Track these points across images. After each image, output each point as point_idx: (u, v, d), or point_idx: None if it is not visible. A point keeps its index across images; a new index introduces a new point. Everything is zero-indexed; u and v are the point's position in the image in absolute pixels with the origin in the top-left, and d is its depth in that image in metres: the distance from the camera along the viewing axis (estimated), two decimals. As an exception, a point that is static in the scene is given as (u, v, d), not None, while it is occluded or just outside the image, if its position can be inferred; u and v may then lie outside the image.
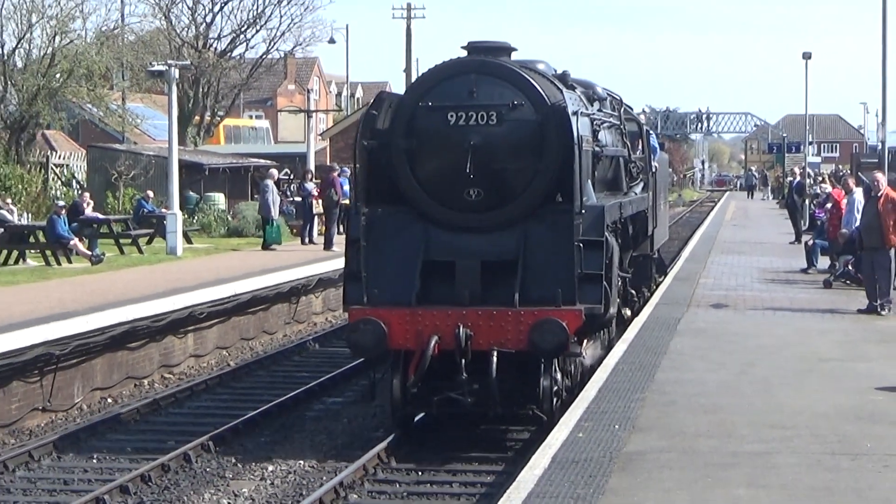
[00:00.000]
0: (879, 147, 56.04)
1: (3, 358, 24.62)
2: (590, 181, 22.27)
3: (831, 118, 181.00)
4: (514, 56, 23.14)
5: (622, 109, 29.52)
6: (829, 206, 39.95)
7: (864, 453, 15.78)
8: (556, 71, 24.09)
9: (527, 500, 13.53)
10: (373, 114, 22.11)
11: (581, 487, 14.04)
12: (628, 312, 27.94)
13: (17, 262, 43.35)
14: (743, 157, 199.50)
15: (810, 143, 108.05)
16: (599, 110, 26.02)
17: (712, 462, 15.28)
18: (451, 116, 21.14)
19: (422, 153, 21.54)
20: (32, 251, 44.20)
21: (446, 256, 21.27)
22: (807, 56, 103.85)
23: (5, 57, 69.06)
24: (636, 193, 28.08)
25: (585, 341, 22.13)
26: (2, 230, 44.96)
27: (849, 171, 61.81)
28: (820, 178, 63.84)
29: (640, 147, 30.31)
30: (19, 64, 69.13)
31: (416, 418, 22.22)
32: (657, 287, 34.68)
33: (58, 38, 68.43)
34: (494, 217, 21.38)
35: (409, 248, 21.41)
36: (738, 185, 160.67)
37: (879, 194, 29.50)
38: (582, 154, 21.10)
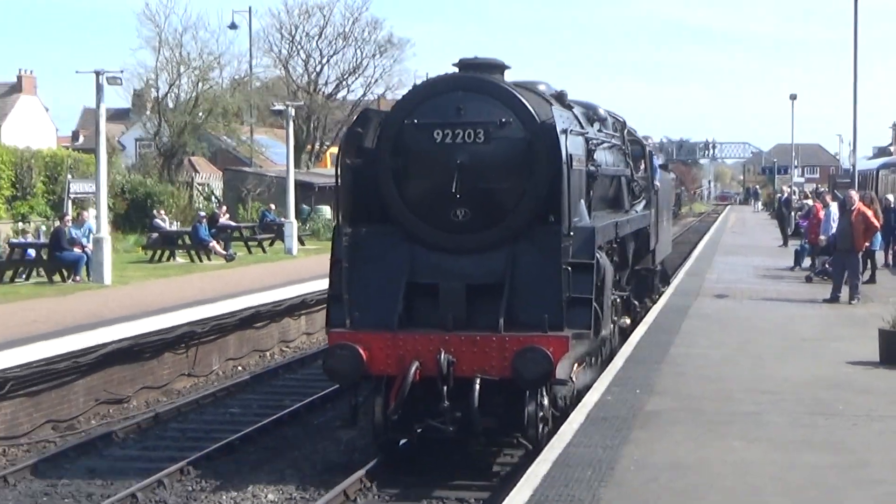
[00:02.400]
0: (851, 170, 55.95)
1: (157, 335, 24.86)
2: (583, 201, 18.27)
3: (813, 147, 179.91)
4: (515, 77, 18.94)
5: (625, 131, 25.16)
6: (810, 216, 39.85)
7: (837, 414, 15.73)
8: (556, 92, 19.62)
9: (566, 449, 13.55)
10: (357, 131, 17.95)
11: (609, 438, 14.06)
12: (627, 321, 23.51)
13: (168, 259, 43.84)
14: (742, 177, 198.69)
15: (795, 167, 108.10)
16: (600, 130, 21.70)
17: (714, 420, 15.26)
18: (438, 134, 17.05)
19: (408, 172, 17.42)
20: (180, 251, 44.78)
21: (431, 278, 17.15)
22: (793, 97, 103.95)
23: (160, 99, 70.20)
24: (637, 211, 24.55)
25: (576, 365, 17.56)
26: (157, 234, 45.76)
27: (826, 190, 61.52)
28: (803, 195, 63.83)
29: (643, 167, 26.48)
30: (170, 104, 70.03)
31: (402, 442, 17.60)
32: (659, 297, 29.97)
33: (200, 85, 69.58)
34: (482, 238, 17.17)
35: (394, 270, 17.26)
36: (738, 200, 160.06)
37: (853, 208, 29.47)
38: (571, 174, 17.04)
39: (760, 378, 18.32)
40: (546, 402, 16.82)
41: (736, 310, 27.82)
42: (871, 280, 33.35)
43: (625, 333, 23.02)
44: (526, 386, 16.19)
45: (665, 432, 14.48)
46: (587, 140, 19.35)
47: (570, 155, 17.01)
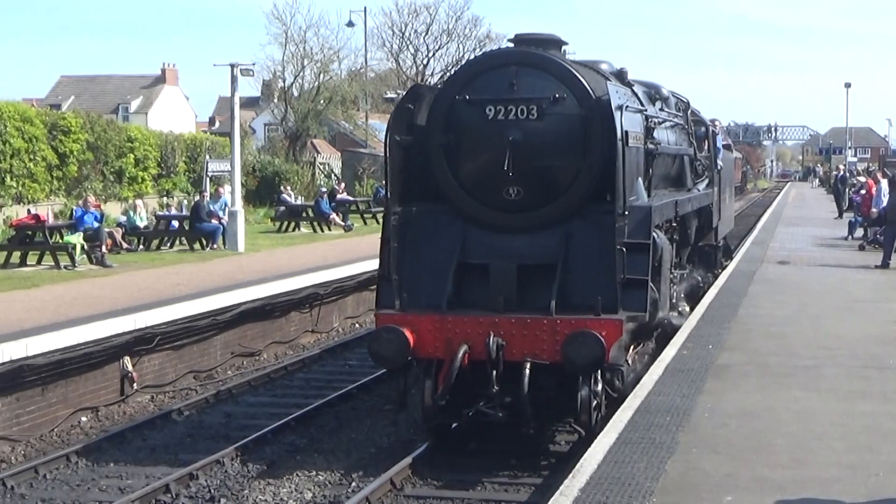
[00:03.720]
0: (900, 150, 55.39)
1: (285, 296, 25.01)
2: (640, 179, 16.25)
3: (865, 130, 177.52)
4: (576, 56, 17.49)
5: (689, 112, 22.76)
6: (863, 192, 39.48)
7: (888, 367, 15.53)
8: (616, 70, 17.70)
9: (647, 397, 13.48)
10: (408, 107, 15.71)
11: (686, 388, 13.96)
12: (687, 309, 20.56)
13: (293, 230, 44.18)
14: (801, 157, 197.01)
15: (849, 148, 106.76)
16: (661, 109, 19.47)
17: (778, 372, 15.10)
18: (490, 110, 14.91)
19: (460, 149, 15.27)
20: (304, 222, 45.04)
21: (482, 258, 15.07)
22: (847, 85, 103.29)
23: (286, 89, 70.93)
24: (699, 190, 22.18)
25: (632, 348, 15.71)
26: (283, 208, 46.14)
27: (877, 168, 60.89)
28: (857, 172, 63.25)
29: (706, 147, 24.09)
30: (295, 93, 70.64)
31: (453, 426, 15.55)
32: (723, 270, 27.46)
33: (321, 76, 70.11)
34: (535, 217, 15.12)
35: (445, 250, 15.22)
36: (797, 178, 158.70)
37: (901, 183, 29.16)
38: (627, 151, 14.86)
39: (819, 335, 18.14)
40: (600, 387, 14.62)
41: (796, 275, 27.55)
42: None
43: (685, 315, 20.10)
44: (577, 371, 14.09)
45: (735, 383, 14.37)
46: (647, 118, 17.10)
47: (626, 132, 14.82)
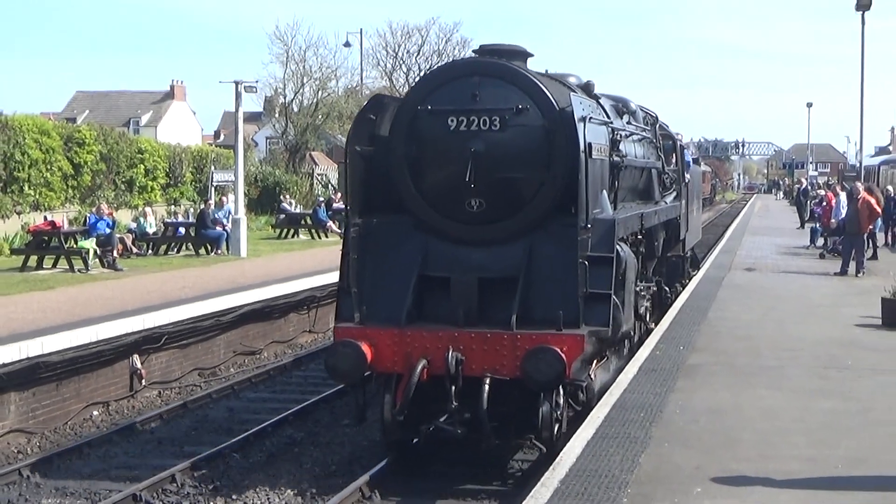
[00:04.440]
0: (858, 166, 55.59)
1: (284, 298, 24.98)
2: (605, 192, 14.77)
3: (825, 146, 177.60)
4: (546, 69, 15.86)
5: (657, 126, 21.37)
6: (823, 204, 39.59)
7: (846, 368, 15.55)
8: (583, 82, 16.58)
9: (623, 395, 13.47)
10: (370, 118, 14.43)
11: (658, 387, 13.96)
12: (653, 326, 19.21)
13: (293, 236, 44.20)
14: (765, 171, 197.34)
15: (810, 163, 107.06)
16: (629, 122, 18.22)
17: (745, 372, 15.11)
18: (452, 121, 13.72)
19: (422, 160, 14.05)
20: (303, 229, 45.06)
21: (443, 271, 13.82)
22: (809, 104, 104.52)
23: (287, 104, 71.19)
24: (667, 202, 20.93)
25: (595, 362, 14.21)
26: (283, 216, 46.21)
27: (836, 182, 61.06)
28: (817, 186, 63.39)
29: (674, 160, 22.93)
30: (295, 109, 70.89)
31: (414, 440, 14.02)
32: (689, 281, 26.13)
33: (320, 93, 70.30)
34: (498, 230, 13.85)
35: (406, 262, 13.96)
36: (762, 190, 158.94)
37: (859, 197, 29.31)
38: (591, 163, 13.57)
39: (782, 338, 18.18)
40: (562, 402, 13.40)
41: (762, 281, 27.60)
42: (874, 257, 33.01)
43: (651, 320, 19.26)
44: (537, 388, 12.90)
45: (704, 382, 14.38)
46: (613, 130, 15.72)
47: (590, 144, 13.53)
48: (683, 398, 13.35)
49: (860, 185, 31.34)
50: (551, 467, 10.39)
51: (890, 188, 43.39)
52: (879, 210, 31.30)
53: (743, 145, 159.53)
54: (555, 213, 13.75)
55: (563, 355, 12.57)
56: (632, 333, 16.35)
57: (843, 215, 32.10)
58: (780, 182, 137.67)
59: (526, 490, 10.42)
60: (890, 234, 40.31)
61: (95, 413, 18.44)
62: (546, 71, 15.65)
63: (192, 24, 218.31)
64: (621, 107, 18.26)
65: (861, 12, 44.36)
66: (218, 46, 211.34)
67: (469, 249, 13.91)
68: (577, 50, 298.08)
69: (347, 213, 14.37)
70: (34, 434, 17.04)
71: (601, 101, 16.49)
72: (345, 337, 13.45)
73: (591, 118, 13.93)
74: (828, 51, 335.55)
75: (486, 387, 12.88)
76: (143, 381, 19.66)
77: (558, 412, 13.25)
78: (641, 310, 17.62)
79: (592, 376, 13.94)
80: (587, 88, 16.13)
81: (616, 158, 15.51)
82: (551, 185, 13.69)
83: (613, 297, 13.46)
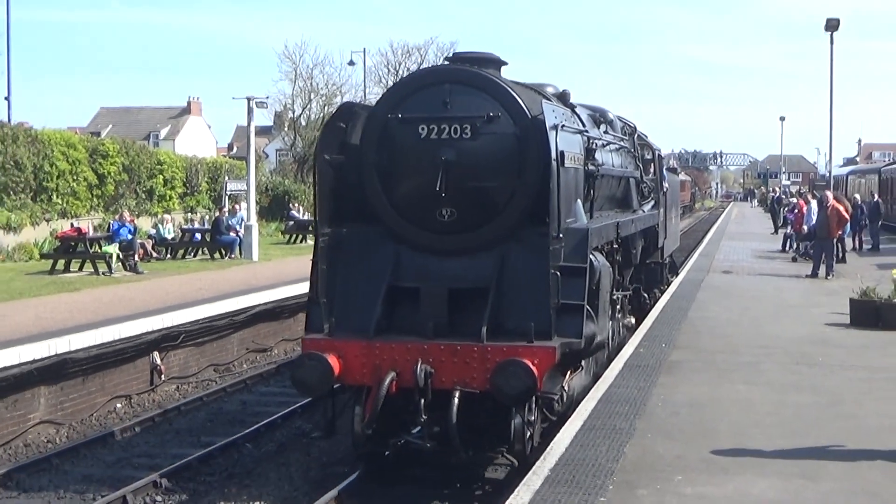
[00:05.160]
0: (827, 175, 55.68)
1: (293, 299, 24.85)
2: (580, 201, 13.50)
3: (797, 157, 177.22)
4: (523, 79, 14.37)
5: (636, 136, 20.40)
6: (795, 211, 39.60)
7: (817, 364, 15.54)
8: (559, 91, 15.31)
9: (609, 389, 13.45)
10: (339, 126, 13.31)
11: (642, 381, 13.94)
12: (632, 321, 18.67)
13: (301, 241, 44.08)
14: (742, 180, 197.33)
15: (784, 173, 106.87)
16: (606, 132, 17.14)
17: (723, 368, 15.10)
18: (423, 129, 12.58)
19: (393, 169, 12.90)
20: (310, 235, 44.76)
21: (413, 281, 12.66)
22: (782, 118, 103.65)
23: (295, 119, 71.40)
24: (644, 211, 19.75)
25: (569, 372, 12.91)
26: (292, 222, 46.19)
27: (807, 190, 61.09)
28: (790, 194, 63.46)
29: (652, 170, 21.96)
30: (303, 123, 71.13)
31: (387, 452, 12.95)
32: (668, 286, 25.18)
33: (326, 108, 70.20)
34: (469, 239, 12.71)
35: (376, 273, 12.76)
36: (738, 198, 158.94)
37: (828, 204, 29.27)
38: (565, 172, 12.55)
39: (758, 335, 18.15)
40: (535, 414, 12.37)
41: (738, 282, 27.59)
42: (843, 260, 32.97)
43: (631, 329, 18.41)
44: (506, 402, 11.77)
45: (685, 377, 14.36)
46: (589, 139, 14.69)
47: (563, 152, 12.44)
48: (665, 392, 13.33)
49: (830, 194, 31.30)
50: (542, 457, 10.38)
51: (857, 196, 43.75)
52: (847, 217, 31.18)
53: (721, 156, 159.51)
54: (527, 223, 12.63)
55: (533, 369, 11.53)
56: (608, 341, 14.83)
57: (814, 222, 31.97)
58: (755, 191, 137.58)
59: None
60: (857, 238, 40.32)
61: (119, 406, 18.46)
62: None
63: (208, 44, 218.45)
64: (599, 116, 17.27)
65: (830, 33, 44.47)
66: (231, 65, 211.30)
67: (441, 259, 12.81)
68: (567, 67, 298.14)
69: (316, 223, 13.12)
70: (62, 425, 17.06)
71: (577, 110, 15.40)
72: (312, 349, 12.30)
73: (563, 126, 12.89)
74: (799, 68, 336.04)
75: (456, 400, 11.77)
76: (163, 376, 19.67)
77: (531, 425, 12.18)
78: (619, 315, 16.82)
79: (566, 387, 12.73)
80: (563, 97, 14.99)
81: (591, 167, 14.47)
82: (523, 193, 12.59)
83: (587, 307, 12.39)
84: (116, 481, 14.01)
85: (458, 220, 12.65)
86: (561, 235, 12.12)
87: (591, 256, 12.62)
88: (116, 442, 16.21)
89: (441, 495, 12.58)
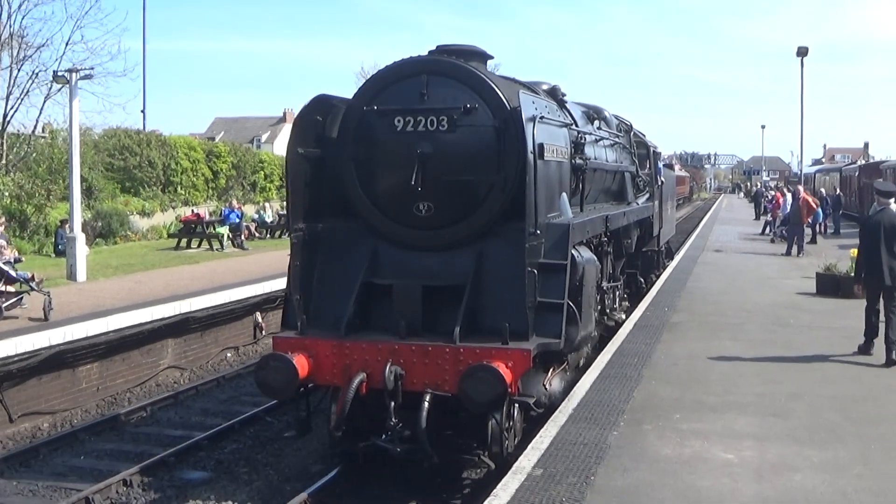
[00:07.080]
0: (799, 173, 55.37)
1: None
2: (565, 195, 10.70)
3: (775, 158, 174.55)
4: (522, 77, 12.07)
5: (631, 133, 18.16)
6: (773, 201, 39.33)
7: (789, 325, 15.44)
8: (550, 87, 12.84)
9: (621, 345, 13.43)
10: (316, 119, 10.66)
11: (648, 339, 13.90)
12: (623, 317, 15.20)
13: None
14: (730, 177, 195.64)
15: (764, 171, 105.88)
16: (599, 128, 14.69)
17: (714, 328, 15.03)
18: (399, 122, 10.14)
19: (370, 163, 10.39)
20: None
21: (388, 278, 10.15)
22: (763, 126, 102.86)
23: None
24: (639, 203, 17.35)
25: (551, 370, 10.39)
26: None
27: (783, 185, 60.60)
28: (769, 188, 62.97)
29: (647, 165, 19.19)
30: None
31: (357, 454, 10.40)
32: (663, 271, 22.99)
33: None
34: (447, 235, 10.20)
35: (352, 269, 10.33)
36: (728, 191, 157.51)
37: (799, 196, 29.44)
38: (545, 166, 10.03)
39: (742, 301, 18.04)
40: (516, 415, 9.95)
41: (727, 259, 27.40)
42: (813, 241, 32.76)
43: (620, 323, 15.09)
44: (476, 409, 9.19)
45: (683, 335, 14.31)
46: (578, 133, 12.21)
47: (542, 145, 9.96)
48: (667, 347, 13.30)
49: (801, 188, 31.45)
50: (566, 398, 10.39)
51: (822, 190, 43.80)
52: (815, 206, 31.40)
53: (714, 157, 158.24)
54: (507, 218, 10.05)
55: (504, 374, 8.98)
56: (594, 334, 11.95)
57: (788, 210, 31.96)
58: (742, 185, 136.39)
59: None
60: (822, 225, 40.02)
61: (229, 355, 18.65)
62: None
63: (300, 65, 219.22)
64: (593, 113, 14.89)
65: (801, 58, 44.55)
66: (319, 82, 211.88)
67: (418, 255, 10.34)
68: (591, 86, 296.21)
69: (289, 219, 10.73)
70: (185, 370, 17.27)
71: (569, 106, 12.92)
72: (282, 347, 9.86)
73: (542, 118, 10.32)
74: (776, 86, 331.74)
75: (426, 403, 9.28)
76: (264, 332, 19.81)
77: (509, 426, 9.82)
78: (611, 303, 14.21)
79: (548, 385, 10.32)
80: (553, 93, 12.61)
81: (579, 161, 11.90)
82: (502, 187, 10.07)
83: (570, 304, 9.89)
84: (229, 414, 14.23)
85: (436, 215, 10.20)
86: (539, 231, 9.64)
87: (574, 251, 10.21)
88: (227, 383, 16.39)
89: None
